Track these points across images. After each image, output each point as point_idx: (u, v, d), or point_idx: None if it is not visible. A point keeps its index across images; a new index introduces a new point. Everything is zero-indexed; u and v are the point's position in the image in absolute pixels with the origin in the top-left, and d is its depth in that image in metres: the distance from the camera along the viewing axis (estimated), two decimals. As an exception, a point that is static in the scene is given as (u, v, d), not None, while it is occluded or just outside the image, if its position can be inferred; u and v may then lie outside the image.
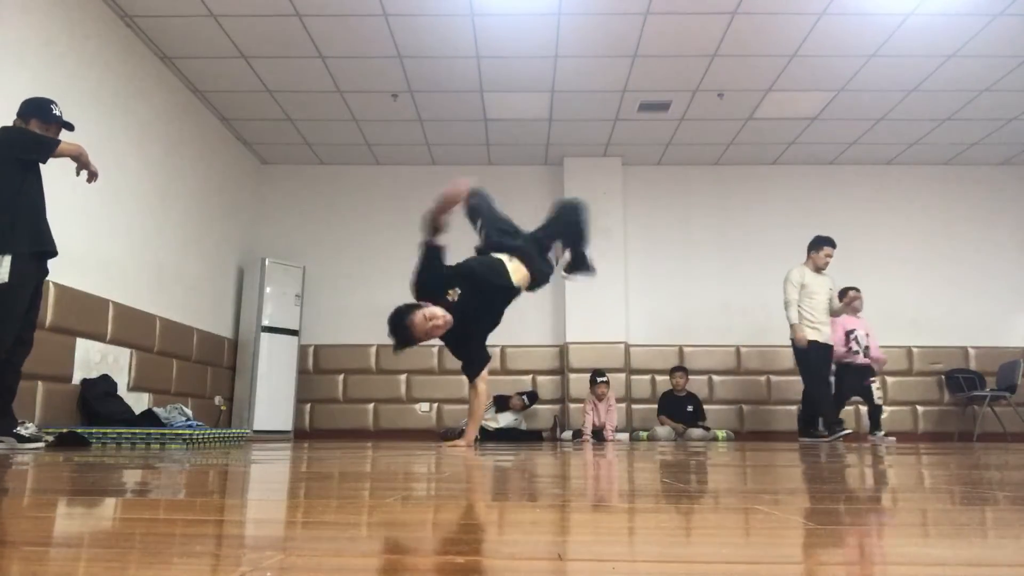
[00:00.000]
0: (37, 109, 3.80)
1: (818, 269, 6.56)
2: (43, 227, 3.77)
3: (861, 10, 5.49)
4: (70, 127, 3.91)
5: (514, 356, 8.10)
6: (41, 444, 3.82)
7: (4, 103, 4.20)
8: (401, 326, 3.86)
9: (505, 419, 7.53)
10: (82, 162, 3.79)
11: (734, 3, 5.40)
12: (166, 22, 5.66)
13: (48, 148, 3.69)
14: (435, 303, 3.93)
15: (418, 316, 3.83)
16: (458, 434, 5.58)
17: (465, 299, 3.99)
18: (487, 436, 7.23)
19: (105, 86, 5.44)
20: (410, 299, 4.08)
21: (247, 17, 5.58)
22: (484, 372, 4.19)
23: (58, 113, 3.84)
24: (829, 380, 6.60)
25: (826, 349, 6.49)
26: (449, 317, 3.89)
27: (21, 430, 3.79)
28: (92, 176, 3.87)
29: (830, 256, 6.56)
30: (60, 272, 4.69)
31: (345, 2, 5.40)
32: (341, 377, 8.09)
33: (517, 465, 2.58)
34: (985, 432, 7.72)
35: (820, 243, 6.58)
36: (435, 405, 8.01)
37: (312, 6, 5.44)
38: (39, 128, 3.77)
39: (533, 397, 7.75)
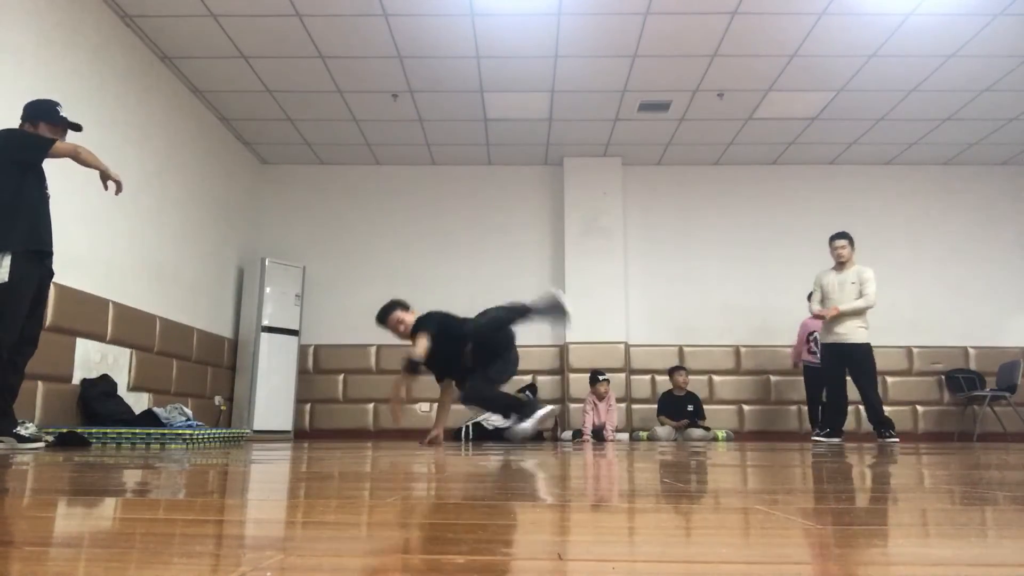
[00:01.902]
0: (46, 113, 3.81)
1: (838, 266, 6.31)
2: (41, 227, 3.76)
3: (861, 10, 5.49)
4: (78, 128, 3.92)
5: (514, 356, 8.10)
6: (41, 444, 3.82)
7: (4, 103, 4.20)
8: (384, 312, 5.11)
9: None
10: (100, 169, 3.75)
11: (734, 3, 5.40)
12: (166, 22, 5.66)
13: (42, 148, 3.68)
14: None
15: (396, 313, 5.06)
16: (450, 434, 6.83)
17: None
18: (488, 435, 7.24)
19: (105, 86, 5.44)
20: (414, 300, 5.35)
21: (247, 17, 5.58)
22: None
23: (64, 115, 3.85)
24: (836, 383, 6.26)
25: (838, 349, 6.17)
26: (409, 325, 5.02)
27: (21, 430, 3.80)
28: (118, 187, 3.83)
29: (838, 248, 6.29)
30: (60, 272, 4.67)
31: (345, 2, 5.40)
32: (341, 377, 8.09)
33: (517, 465, 2.59)
34: (985, 432, 7.72)
35: (829, 239, 6.44)
36: (435, 405, 7.99)
37: (312, 6, 5.44)
38: (48, 131, 3.79)
39: (533, 391, 7.75)
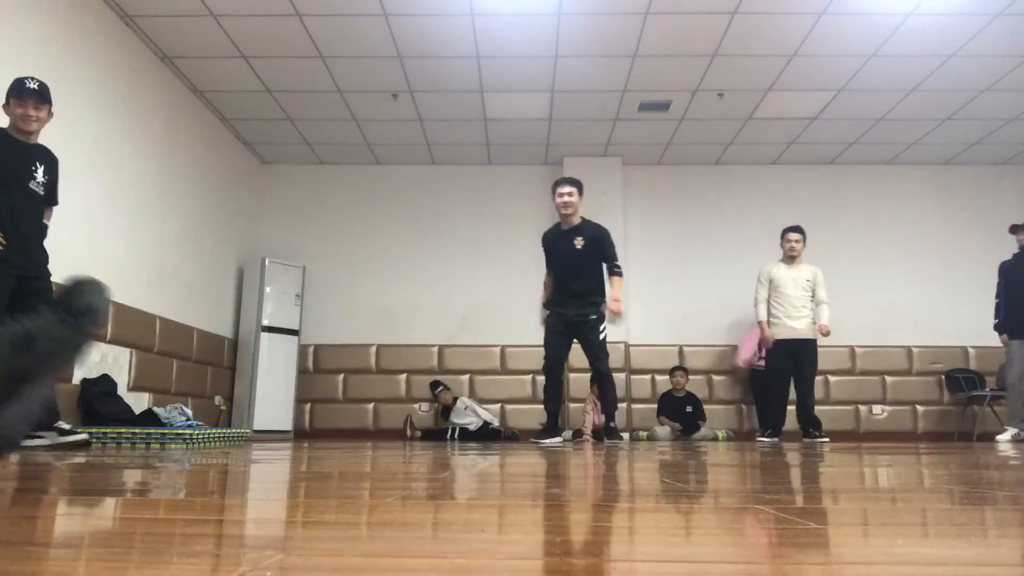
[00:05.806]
0: (11, 90, 3.62)
1: (789, 260, 6.32)
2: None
3: (861, 10, 5.49)
4: (43, 88, 3.67)
5: (514, 356, 8.11)
6: (83, 436, 3.86)
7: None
8: None
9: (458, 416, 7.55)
10: None
11: (734, 3, 5.40)
12: (166, 22, 5.65)
13: None
14: None
15: None
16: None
17: None
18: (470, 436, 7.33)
19: (105, 86, 5.44)
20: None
21: (247, 17, 5.58)
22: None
23: (33, 86, 3.62)
24: (784, 381, 6.27)
25: (796, 344, 6.17)
26: None
27: (62, 424, 3.83)
28: None
29: (792, 242, 6.27)
30: (60, 272, 4.69)
31: (345, 2, 5.40)
32: (341, 377, 8.09)
33: (516, 466, 2.59)
34: (985, 432, 7.71)
35: (783, 232, 6.43)
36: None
37: (312, 6, 5.44)
38: (16, 106, 3.60)
39: (437, 385, 7.81)
